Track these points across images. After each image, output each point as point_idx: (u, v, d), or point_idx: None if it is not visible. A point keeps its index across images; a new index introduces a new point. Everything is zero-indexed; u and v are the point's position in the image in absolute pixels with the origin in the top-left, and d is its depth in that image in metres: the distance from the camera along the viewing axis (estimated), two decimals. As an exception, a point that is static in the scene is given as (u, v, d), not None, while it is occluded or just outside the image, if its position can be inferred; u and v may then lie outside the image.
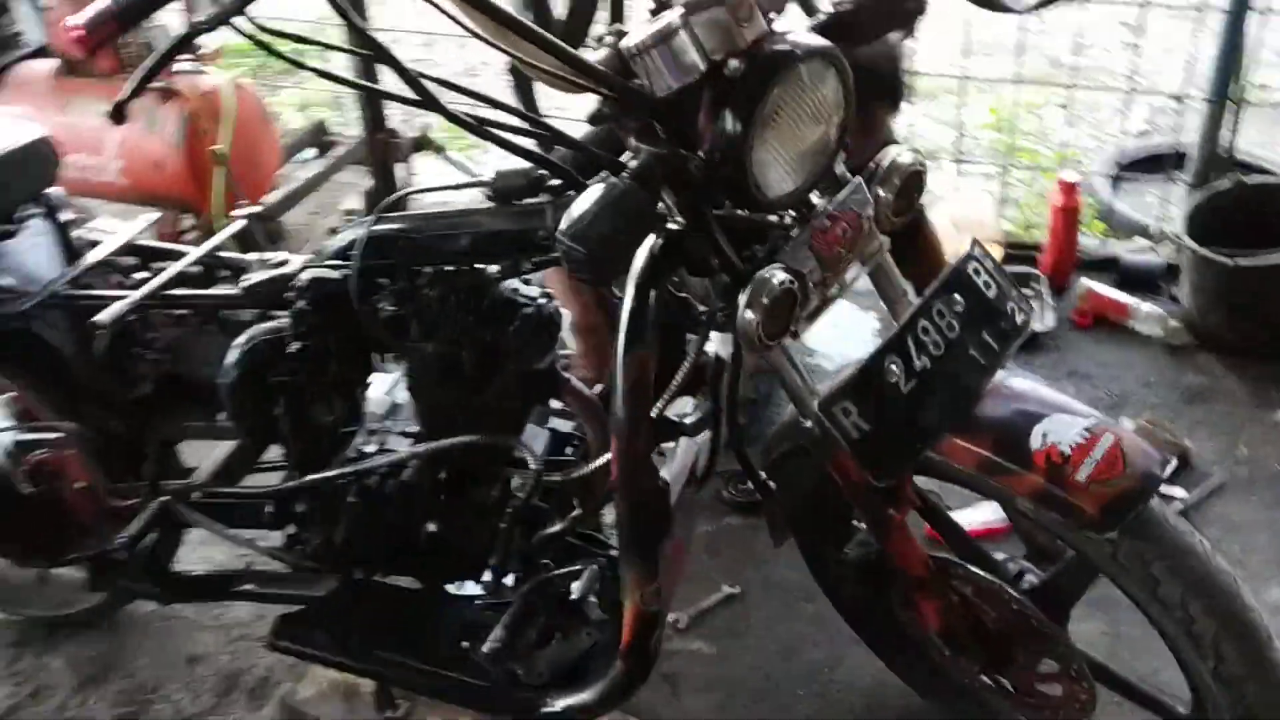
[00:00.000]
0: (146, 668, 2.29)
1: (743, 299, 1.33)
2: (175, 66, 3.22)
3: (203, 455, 2.00)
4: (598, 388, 1.81)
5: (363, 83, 2.25)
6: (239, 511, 1.91)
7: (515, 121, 1.38)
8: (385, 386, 1.91)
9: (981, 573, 1.62)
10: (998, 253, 3.09)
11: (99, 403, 1.92)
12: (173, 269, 1.86)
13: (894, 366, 1.42)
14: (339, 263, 1.68)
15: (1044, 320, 2.91)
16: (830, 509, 1.77)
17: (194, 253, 1.91)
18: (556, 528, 1.68)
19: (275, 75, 4.61)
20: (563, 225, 1.28)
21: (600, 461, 1.69)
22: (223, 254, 1.94)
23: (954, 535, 1.71)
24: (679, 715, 2.07)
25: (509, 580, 1.75)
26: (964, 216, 3.07)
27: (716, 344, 1.57)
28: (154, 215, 2.12)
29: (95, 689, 2.25)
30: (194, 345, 1.89)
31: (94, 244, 1.99)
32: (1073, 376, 2.79)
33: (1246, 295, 2.70)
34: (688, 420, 1.66)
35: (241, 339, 1.74)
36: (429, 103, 1.30)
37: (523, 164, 1.55)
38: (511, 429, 1.75)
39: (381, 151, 3.26)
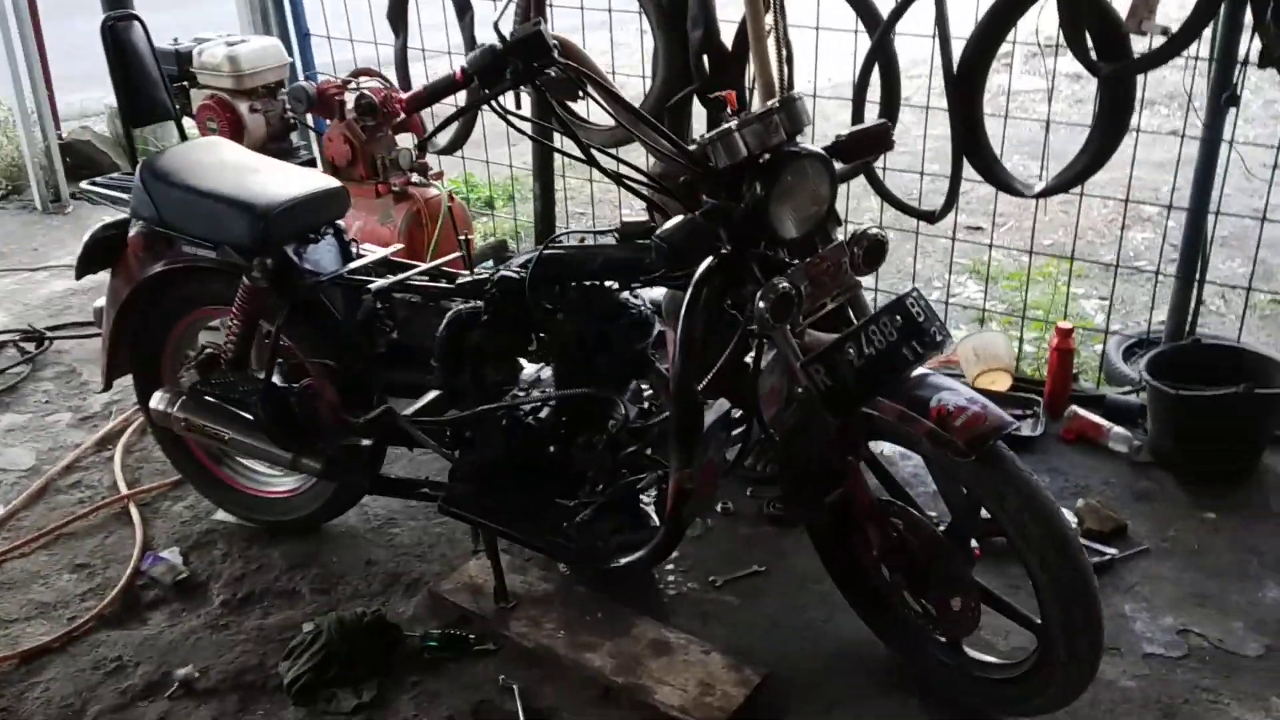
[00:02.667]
0: (337, 564, 3.23)
1: (759, 295, 2.27)
2: (411, 178, 4.41)
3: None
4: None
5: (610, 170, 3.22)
6: (429, 434, 2.88)
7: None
8: (533, 368, 2.88)
9: (913, 510, 2.45)
10: (1007, 380, 3.95)
11: (351, 354, 2.93)
12: (413, 271, 2.89)
13: (850, 350, 2.33)
14: (520, 271, 2.68)
15: (1035, 429, 3.73)
16: (820, 469, 2.63)
17: (425, 266, 2.95)
18: (632, 449, 2.59)
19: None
20: (660, 231, 2.27)
21: (661, 416, 2.61)
22: (443, 268, 2.98)
23: (893, 487, 2.55)
24: (708, 637, 2.86)
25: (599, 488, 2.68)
26: (984, 348, 3.96)
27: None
28: (398, 245, 3.18)
29: (301, 571, 3.20)
30: (418, 323, 2.90)
31: (362, 256, 3.05)
32: (1050, 471, 3.58)
33: (1189, 420, 3.48)
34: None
35: (450, 312, 2.74)
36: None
37: (643, 217, 2.56)
38: (614, 390, 2.69)
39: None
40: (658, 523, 2.61)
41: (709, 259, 2.32)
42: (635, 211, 4.04)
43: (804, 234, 2.35)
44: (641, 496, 2.65)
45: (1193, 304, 3.84)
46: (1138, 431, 3.77)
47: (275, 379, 2.97)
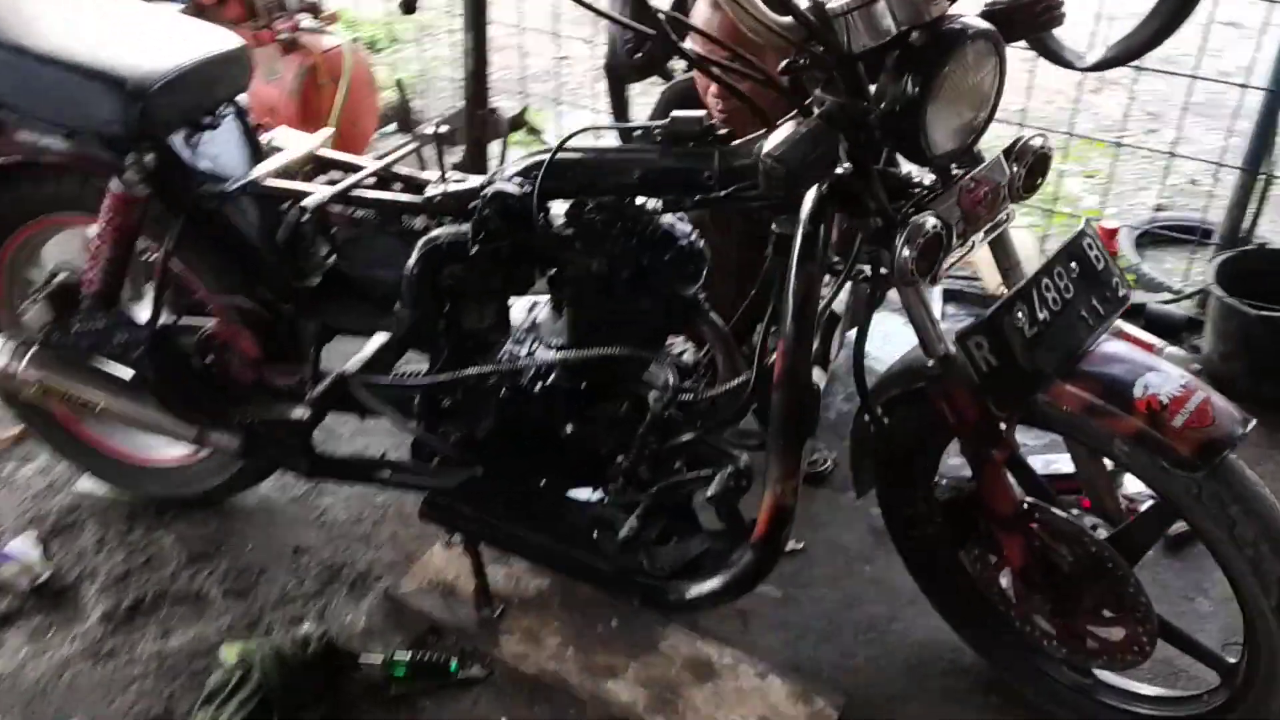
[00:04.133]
0: (253, 553, 2.47)
1: (900, 238, 1.57)
2: (301, 24, 3.46)
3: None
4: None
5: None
6: (388, 399, 2.11)
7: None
8: (524, 307, 2.13)
9: (1066, 516, 1.84)
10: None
11: (271, 288, 2.12)
12: (361, 174, 2.07)
13: (1020, 314, 1.67)
14: (523, 183, 1.90)
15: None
16: (925, 451, 2.00)
17: (374, 164, 2.12)
18: (689, 435, 1.90)
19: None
20: (768, 148, 1.54)
21: (734, 383, 1.91)
22: (398, 170, 2.16)
23: (1035, 484, 1.93)
24: (754, 648, 2.24)
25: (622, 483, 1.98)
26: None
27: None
28: (329, 131, 2.33)
29: (205, 565, 2.43)
30: (366, 247, 2.10)
31: (276, 150, 2.20)
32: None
33: (1265, 346, 2.96)
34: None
35: (426, 238, 1.95)
36: (664, 37, 1.56)
37: (698, 113, 1.81)
38: (650, 349, 1.97)
39: (480, 128, 3.49)
40: (718, 527, 1.94)
41: (822, 183, 1.61)
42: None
43: (959, 148, 1.64)
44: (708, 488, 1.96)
45: (1257, 202, 3.28)
46: (1189, 348, 3.27)
47: (166, 321, 2.13)
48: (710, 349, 2.04)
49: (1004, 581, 1.99)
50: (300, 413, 2.09)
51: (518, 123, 3.54)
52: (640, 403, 1.97)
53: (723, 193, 1.77)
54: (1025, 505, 1.87)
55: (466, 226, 1.94)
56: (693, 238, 1.91)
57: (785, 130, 1.57)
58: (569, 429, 2.00)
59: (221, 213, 2.05)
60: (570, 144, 1.88)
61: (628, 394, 1.99)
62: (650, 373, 1.96)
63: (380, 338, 2.20)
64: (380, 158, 2.18)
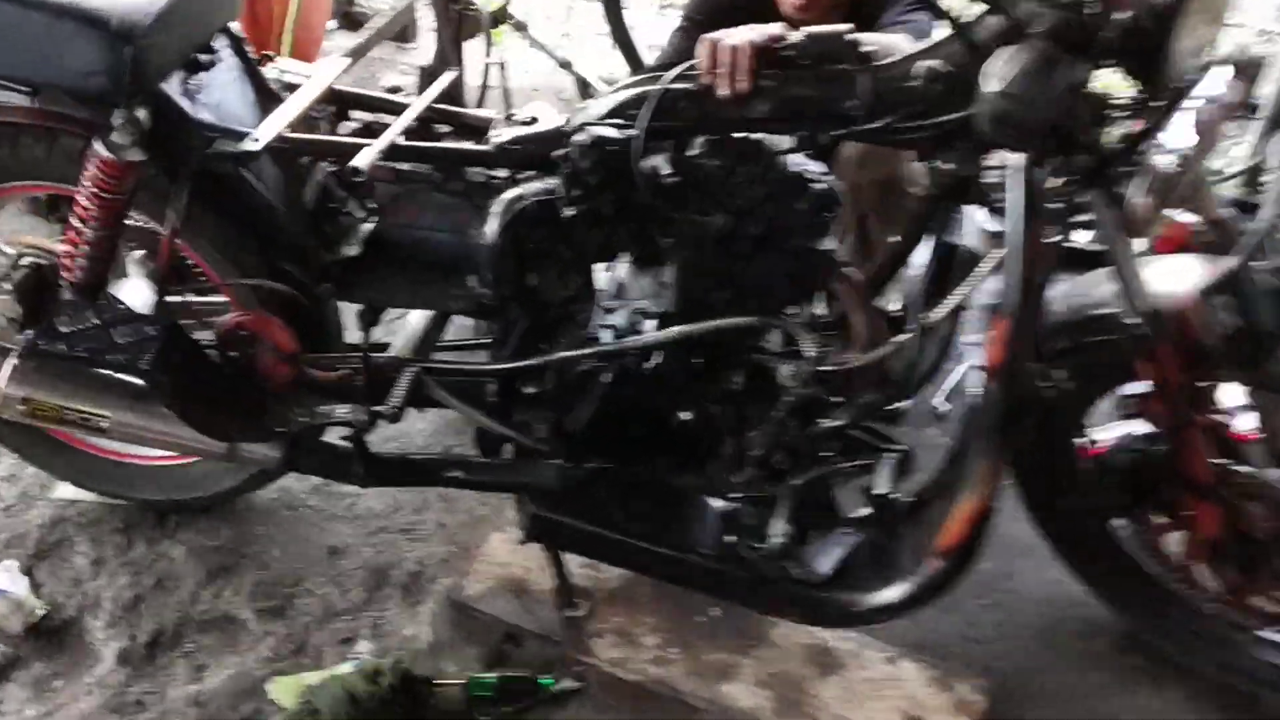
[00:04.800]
0: (282, 560, 2.12)
1: (1130, 181, 1.30)
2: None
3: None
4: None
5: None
6: (460, 390, 1.77)
7: None
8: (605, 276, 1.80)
9: (1266, 477, 1.62)
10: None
11: (300, 264, 1.75)
12: (406, 116, 1.69)
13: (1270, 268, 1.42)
14: (621, 124, 1.56)
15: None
16: (1072, 409, 1.75)
17: (418, 102, 1.74)
18: (842, 420, 1.61)
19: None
20: (993, 85, 1.24)
21: (881, 352, 1.62)
22: (447, 108, 1.78)
23: (1224, 445, 1.70)
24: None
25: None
26: None
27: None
28: (347, 61, 1.92)
29: (228, 580, 2.08)
30: (417, 206, 1.74)
31: (288, 86, 1.80)
32: None
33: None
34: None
35: (508, 198, 1.60)
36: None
37: (839, 28, 1.49)
38: (776, 313, 1.67)
39: (455, 25, 3.05)
40: (864, 517, 1.67)
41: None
42: None
43: (1192, 69, 1.36)
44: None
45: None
46: None
47: (175, 314, 1.75)
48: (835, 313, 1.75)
49: (1169, 544, 1.79)
50: (358, 414, 1.73)
51: (499, 18, 3.10)
52: (761, 376, 1.68)
53: (875, 124, 1.47)
54: (1221, 468, 1.64)
55: (552, 182, 1.60)
56: (828, 180, 1.60)
57: (1010, 59, 1.26)
58: (684, 413, 1.69)
59: (236, 176, 1.66)
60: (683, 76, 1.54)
61: (748, 368, 1.69)
62: (779, 342, 1.66)
63: (422, 316, 1.85)
64: (409, 94, 1.80)
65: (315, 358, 1.78)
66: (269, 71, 1.83)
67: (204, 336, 1.78)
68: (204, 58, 1.70)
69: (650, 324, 1.71)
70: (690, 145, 1.58)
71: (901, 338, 1.60)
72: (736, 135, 1.57)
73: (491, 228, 1.60)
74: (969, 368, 1.49)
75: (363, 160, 1.56)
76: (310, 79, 1.79)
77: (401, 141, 1.64)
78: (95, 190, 1.65)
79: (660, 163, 1.58)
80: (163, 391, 1.69)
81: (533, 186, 1.61)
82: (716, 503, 1.72)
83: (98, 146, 1.61)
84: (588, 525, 1.66)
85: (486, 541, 2.10)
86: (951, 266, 1.60)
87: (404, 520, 2.20)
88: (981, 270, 1.51)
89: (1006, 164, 1.39)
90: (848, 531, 1.67)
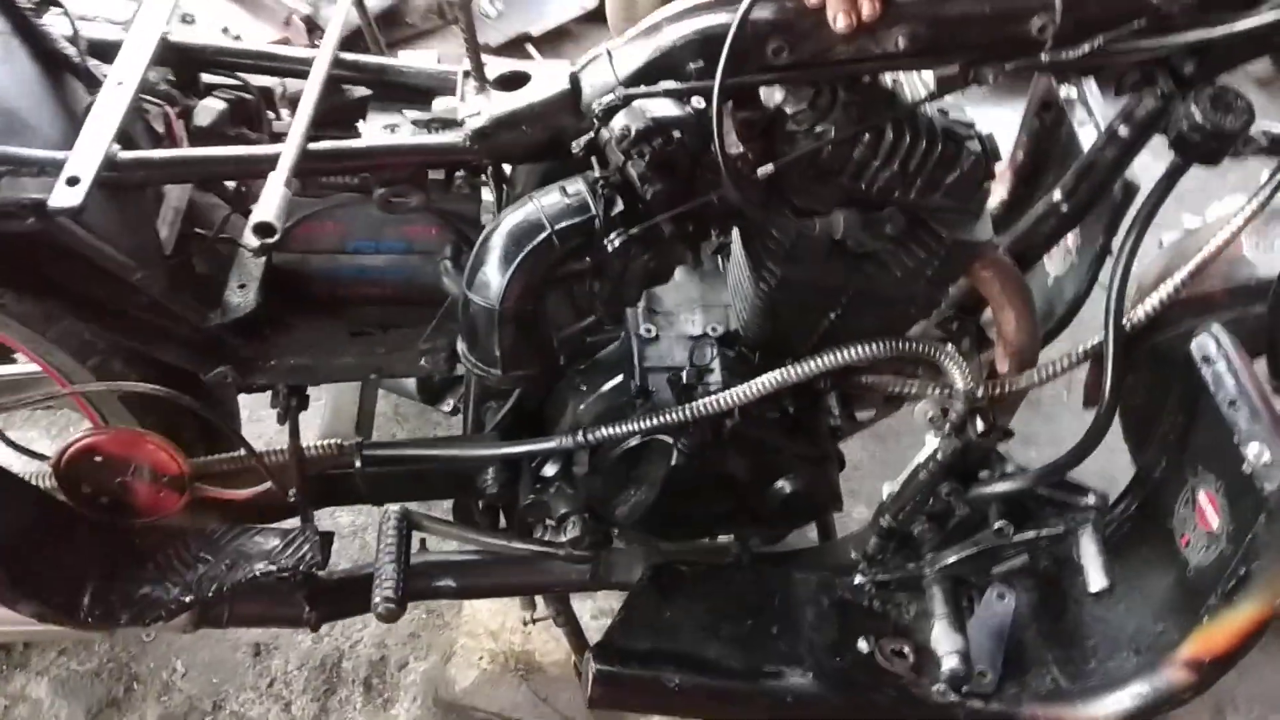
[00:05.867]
0: (190, 676, 1.55)
1: None
2: None
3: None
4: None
5: None
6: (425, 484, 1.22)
7: None
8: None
9: None
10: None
11: (168, 339, 1.12)
12: (310, 90, 1.04)
13: None
14: (675, 85, 0.98)
15: None
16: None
17: (319, 56, 1.08)
18: (1017, 481, 1.14)
19: None
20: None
21: (1064, 368, 1.14)
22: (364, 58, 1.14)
23: None
24: None
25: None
26: None
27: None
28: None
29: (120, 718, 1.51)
30: (342, 220, 1.12)
31: (93, 48, 1.11)
32: None
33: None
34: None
35: (513, 226, 1.01)
36: None
37: None
38: (903, 332, 1.17)
39: None
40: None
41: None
42: None
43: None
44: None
45: None
46: None
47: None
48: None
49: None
50: (298, 554, 1.15)
51: None
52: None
53: (1073, 52, 0.95)
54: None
55: (575, 190, 1.01)
56: (982, 132, 1.06)
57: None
58: (783, 486, 1.20)
59: (46, 235, 0.99)
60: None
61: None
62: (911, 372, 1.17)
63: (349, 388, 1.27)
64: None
65: (209, 465, 1.17)
66: (55, 25, 1.11)
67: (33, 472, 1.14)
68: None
69: (707, 352, 1.18)
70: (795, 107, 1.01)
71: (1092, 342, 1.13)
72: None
73: (492, 272, 1.01)
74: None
75: (268, 211, 0.91)
76: (130, 29, 1.09)
77: (319, 145, 1.00)
78: None
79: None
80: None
81: (549, 200, 1.01)
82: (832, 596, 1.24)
83: None
84: (675, 675, 1.16)
85: (465, 608, 1.59)
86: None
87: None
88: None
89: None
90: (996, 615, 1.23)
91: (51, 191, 0.93)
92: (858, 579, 1.24)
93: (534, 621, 1.48)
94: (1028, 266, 1.23)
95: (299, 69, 1.15)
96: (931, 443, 1.16)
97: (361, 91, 1.16)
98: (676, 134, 0.96)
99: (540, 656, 1.56)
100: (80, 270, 1.04)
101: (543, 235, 1.00)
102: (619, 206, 0.99)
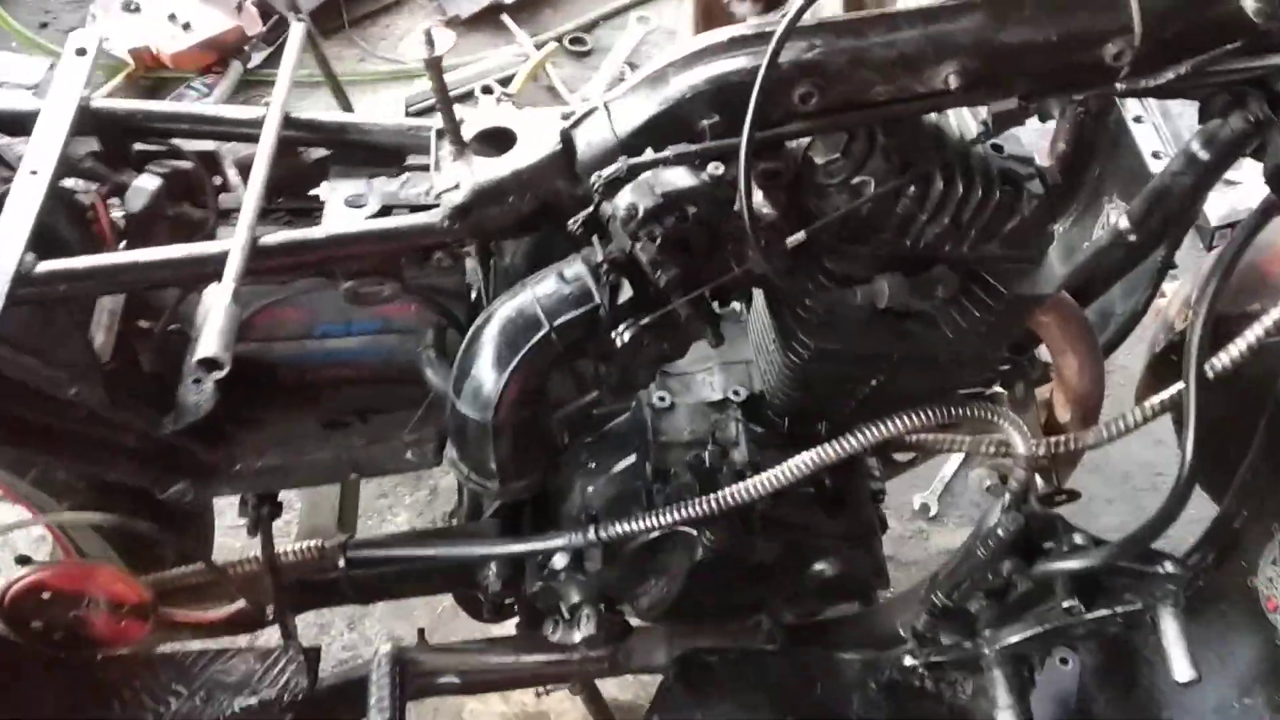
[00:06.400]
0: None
1: None
2: None
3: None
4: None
5: None
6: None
7: None
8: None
9: None
10: None
11: (117, 456, 0.98)
12: (259, 166, 0.88)
13: None
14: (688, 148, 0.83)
15: None
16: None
17: (268, 120, 0.92)
18: (1089, 559, 1.01)
19: None
20: None
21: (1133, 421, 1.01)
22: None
23: None
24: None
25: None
26: None
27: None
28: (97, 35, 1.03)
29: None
30: (303, 305, 0.97)
31: (7, 117, 0.95)
32: None
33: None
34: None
35: (508, 317, 0.86)
36: None
37: None
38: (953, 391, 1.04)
39: None
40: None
41: None
42: None
43: None
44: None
45: None
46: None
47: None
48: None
49: None
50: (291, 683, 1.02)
51: None
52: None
53: (1150, 81, 0.81)
54: None
55: (573, 275, 0.86)
56: (1041, 167, 0.92)
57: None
58: (822, 569, 1.07)
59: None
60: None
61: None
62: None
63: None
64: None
65: (172, 582, 1.04)
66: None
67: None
68: None
69: (731, 427, 1.05)
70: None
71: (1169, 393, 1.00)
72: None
73: (485, 378, 0.87)
74: None
75: (213, 343, 0.76)
76: (46, 97, 0.93)
77: (273, 239, 0.85)
78: None
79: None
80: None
81: (545, 289, 0.87)
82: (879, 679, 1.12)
83: None
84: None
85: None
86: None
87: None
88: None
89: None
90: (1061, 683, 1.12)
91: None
92: (908, 660, 1.12)
93: (547, 692, 1.36)
94: (1089, 301, 1.09)
95: (245, 131, 0.99)
96: (991, 514, 1.03)
97: (319, 152, 1.01)
98: (692, 209, 0.82)
99: (555, 718, 1.44)
100: (4, 389, 0.90)
101: (540, 333, 0.86)
102: (627, 293, 0.85)
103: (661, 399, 1.08)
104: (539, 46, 2.56)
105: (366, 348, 1.04)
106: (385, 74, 2.53)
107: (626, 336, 0.85)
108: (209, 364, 0.76)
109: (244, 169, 1.01)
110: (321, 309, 1.01)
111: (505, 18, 2.62)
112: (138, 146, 1.02)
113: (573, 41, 2.60)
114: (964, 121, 0.91)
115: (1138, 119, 1.17)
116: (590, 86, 2.48)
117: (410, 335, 1.03)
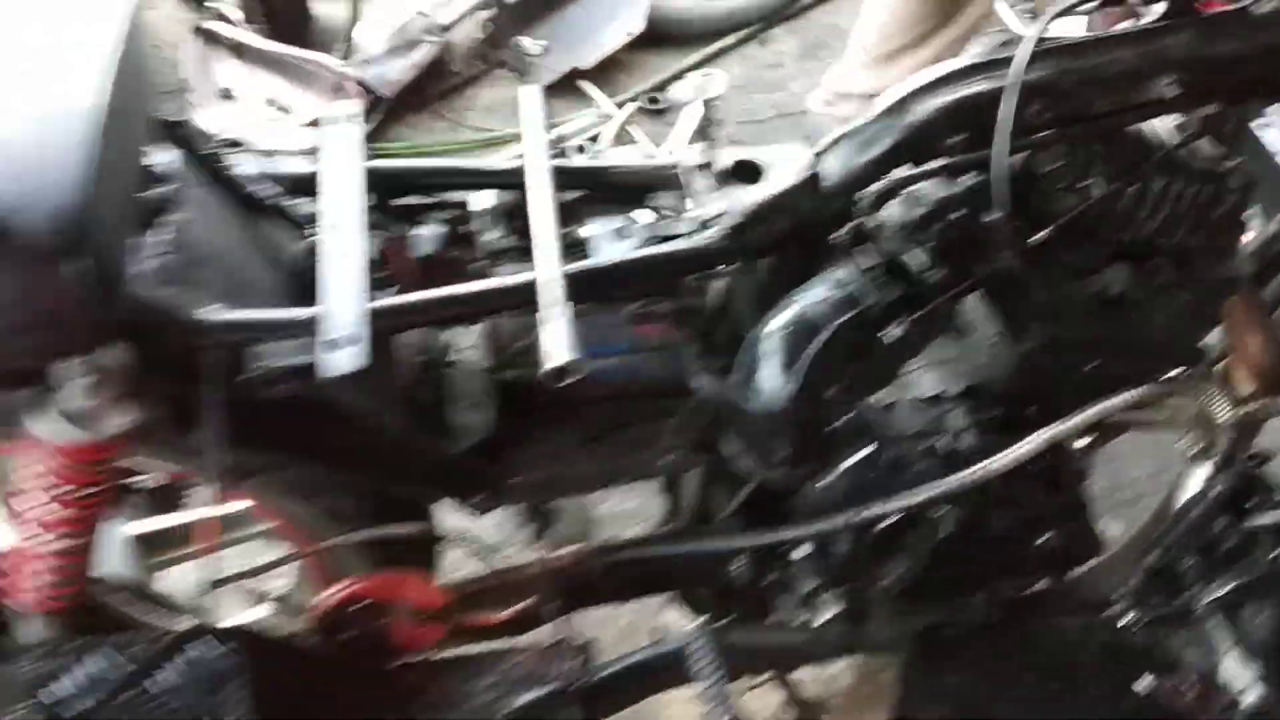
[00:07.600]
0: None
1: None
2: None
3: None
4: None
5: None
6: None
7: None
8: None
9: None
10: None
11: (408, 477, 1.08)
12: (541, 208, 0.99)
13: None
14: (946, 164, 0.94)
15: None
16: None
17: (533, 166, 1.04)
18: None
19: None
20: None
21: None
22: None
23: None
24: None
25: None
26: None
27: None
28: (355, 106, 1.14)
29: None
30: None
31: (267, 179, 1.07)
32: None
33: None
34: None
35: (788, 324, 0.97)
36: None
37: None
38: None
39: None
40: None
41: None
42: None
43: None
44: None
45: None
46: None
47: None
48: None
49: None
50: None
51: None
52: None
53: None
54: None
55: (838, 280, 0.97)
56: (1233, 166, 1.03)
57: None
58: (1041, 537, 1.16)
59: (319, 401, 0.95)
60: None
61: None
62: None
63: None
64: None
65: (464, 589, 1.13)
66: (243, 165, 1.06)
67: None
68: (154, 194, 0.94)
69: (958, 415, 1.15)
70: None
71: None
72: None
73: (772, 375, 0.97)
74: None
75: (562, 350, 0.87)
76: (323, 161, 1.04)
77: (573, 266, 0.96)
78: (65, 475, 0.92)
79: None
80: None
81: (814, 295, 0.98)
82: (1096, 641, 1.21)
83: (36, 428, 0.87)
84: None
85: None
86: None
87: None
88: None
89: None
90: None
91: (311, 351, 0.89)
92: (1123, 619, 1.21)
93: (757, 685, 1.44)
94: (1264, 284, 1.20)
95: (506, 180, 1.11)
96: (1196, 477, 1.13)
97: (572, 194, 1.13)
98: (953, 215, 0.93)
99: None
100: (335, 426, 1.00)
101: (825, 335, 0.97)
102: (896, 294, 0.96)
103: (877, 400, 1.19)
104: (620, 106, 2.69)
105: (618, 366, 1.14)
106: (478, 142, 2.66)
107: (898, 333, 0.96)
108: (558, 374, 0.87)
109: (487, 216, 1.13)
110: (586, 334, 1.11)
111: (583, 83, 2.76)
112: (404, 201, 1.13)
113: (649, 100, 2.74)
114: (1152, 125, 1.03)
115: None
116: (671, 138, 2.61)
117: (654, 353, 1.14)
